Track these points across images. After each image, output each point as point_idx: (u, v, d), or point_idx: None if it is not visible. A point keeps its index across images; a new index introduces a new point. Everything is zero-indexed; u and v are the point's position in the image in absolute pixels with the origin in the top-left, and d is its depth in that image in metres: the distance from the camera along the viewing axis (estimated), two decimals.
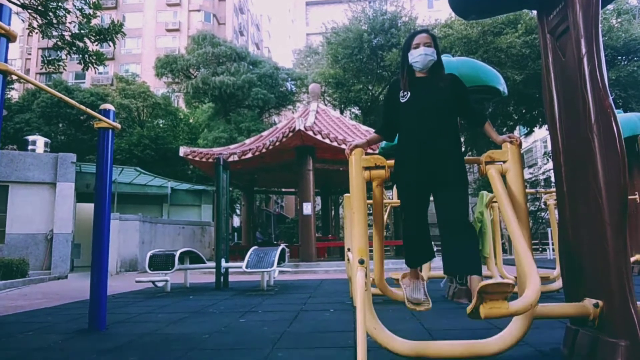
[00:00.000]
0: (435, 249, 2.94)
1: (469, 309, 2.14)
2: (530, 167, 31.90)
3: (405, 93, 2.68)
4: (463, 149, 18.99)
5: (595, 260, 2.39)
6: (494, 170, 2.60)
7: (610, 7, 18.49)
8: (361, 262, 2.43)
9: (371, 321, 2.43)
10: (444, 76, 2.72)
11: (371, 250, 2.89)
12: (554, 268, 5.76)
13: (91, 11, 9.92)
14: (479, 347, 2.41)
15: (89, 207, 12.35)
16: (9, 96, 24.25)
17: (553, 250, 14.71)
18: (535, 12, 3.08)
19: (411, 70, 2.75)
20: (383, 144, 5.40)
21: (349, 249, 5.27)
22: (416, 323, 3.73)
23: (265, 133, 16.20)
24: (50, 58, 10.26)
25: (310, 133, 12.06)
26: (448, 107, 2.65)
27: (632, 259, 7.23)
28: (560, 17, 2.68)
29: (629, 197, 2.66)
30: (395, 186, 6.42)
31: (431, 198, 2.71)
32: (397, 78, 2.84)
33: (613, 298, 2.25)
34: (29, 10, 9.54)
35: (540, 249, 22.40)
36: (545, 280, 5.55)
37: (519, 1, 3.18)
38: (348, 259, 5.39)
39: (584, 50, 2.44)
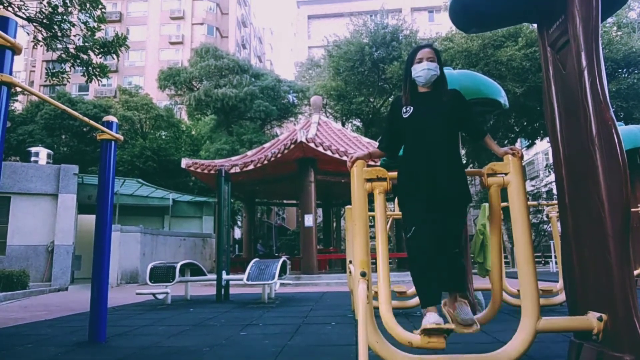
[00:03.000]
0: None
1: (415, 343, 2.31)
2: (532, 179, 31.87)
3: (408, 108, 2.68)
4: (465, 162, 19.03)
5: (598, 273, 2.37)
6: (494, 188, 2.64)
7: (610, 20, 18.63)
8: (363, 274, 2.42)
9: (373, 335, 2.40)
10: (447, 91, 2.72)
11: (373, 263, 2.88)
12: (557, 281, 5.72)
13: (96, 24, 10.02)
14: None
15: (90, 219, 12.34)
16: (12, 108, 24.40)
17: (556, 263, 14.63)
18: (535, 25, 3.10)
19: (414, 84, 2.75)
20: None
21: (350, 261, 5.25)
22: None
23: (267, 145, 16.25)
24: (54, 70, 10.34)
25: (312, 145, 12.09)
26: (450, 122, 2.65)
27: (636, 272, 7.18)
28: (561, 31, 2.70)
29: (632, 209, 2.65)
30: (397, 200, 6.42)
31: None
32: (399, 95, 2.84)
33: (617, 311, 2.23)
34: (34, 24, 9.65)
35: (543, 262, 22.27)
36: (548, 293, 5.51)
37: (519, 15, 3.21)
38: (350, 272, 5.37)
39: (584, 63, 2.45)
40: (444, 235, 2.51)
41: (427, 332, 2.26)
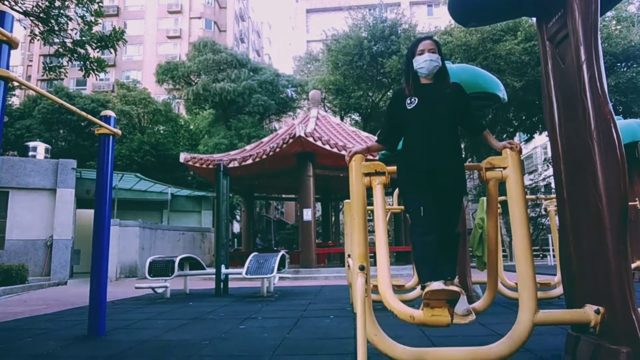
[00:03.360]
0: None
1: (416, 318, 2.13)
2: (530, 173, 31.91)
3: (413, 99, 2.68)
4: (464, 156, 19.04)
5: (596, 266, 2.38)
6: (492, 183, 2.65)
7: (609, 14, 18.59)
8: (361, 268, 2.43)
9: (372, 328, 2.41)
10: (449, 83, 2.74)
11: (372, 257, 2.88)
12: (555, 274, 5.74)
13: (93, 18, 9.96)
14: (480, 353, 2.40)
15: (89, 213, 12.33)
16: (10, 102, 24.28)
17: (554, 256, 14.68)
18: (534, 19, 3.09)
19: (416, 76, 2.75)
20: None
21: (349, 255, 5.26)
22: (417, 330, 3.71)
23: (265, 139, 16.23)
24: (51, 65, 10.28)
25: (311, 139, 12.08)
26: (452, 114, 2.66)
27: (633, 265, 7.21)
28: (560, 25, 2.69)
29: (629, 203, 2.66)
30: (398, 193, 6.44)
31: None
32: (401, 87, 2.84)
33: (614, 304, 2.24)
34: (31, 18, 9.59)
35: (541, 256, 22.35)
36: (546, 286, 5.54)
37: (518, 8, 3.20)
38: (348, 265, 5.38)
39: (583, 57, 2.45)
40: (442, 221, 2.56)
41: (430, 303, 2.13)
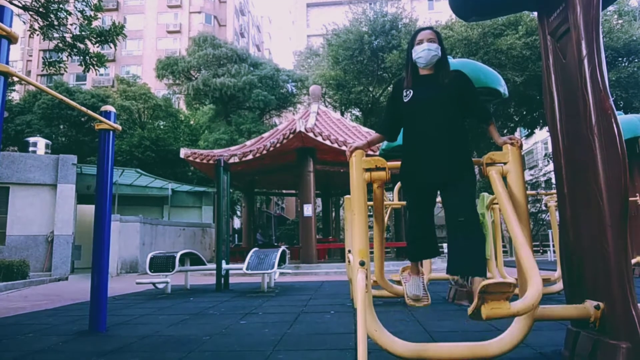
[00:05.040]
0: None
1: (470, 309, 2.11)
2: (531, 168, 31.91)
3: (408, 92, 2.66)
4: None
5: (596, 262, 2.38)
6: (494, 171, 2.59)
7: (611, 8, 18.52)
8: (362, 263, 2.43)
9: (372, 323, 2.42)
10: (449, 72, 2.67)
11: (371, 252, 2.89)
12: (555, 270, 5.75)
13: (92, 13, 9.94)
14: (480, 349, 2.41)
15: (89, 209, 12.36)
16: (9, 98, 24.25)
17: (554, 252, 14.69)
18: (535, 13, 3.08)
19: (415, 68, 2.72)
20: (384, 145, 5.41)
21: (349, 251, 5.26)
22: (417, 325, 3.72)
23: (266, 135, 16.21)
24: (51, 60, 10.27)
25: (311, 135, 12.06)
26: (453, 104, 2.60)
27: (633, 261, 7.22)
28: (561, 19, 2.68)
29: (630, 198, 2.65)
30: (398, 188, 6.44)
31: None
32: (402, 77, 2.82)
33: (614, 300, 2.24)
34: (31, 12, 9.57)
35: (541, 251, 22.39)
36: (546, 282, 5.54)
37: (519, 3, 3.18)
38: (349, 261, 5.39)
39: (584, 51, 2.44)
40: (457, 217, 2.48)
41: (487, 297, 2.08)
